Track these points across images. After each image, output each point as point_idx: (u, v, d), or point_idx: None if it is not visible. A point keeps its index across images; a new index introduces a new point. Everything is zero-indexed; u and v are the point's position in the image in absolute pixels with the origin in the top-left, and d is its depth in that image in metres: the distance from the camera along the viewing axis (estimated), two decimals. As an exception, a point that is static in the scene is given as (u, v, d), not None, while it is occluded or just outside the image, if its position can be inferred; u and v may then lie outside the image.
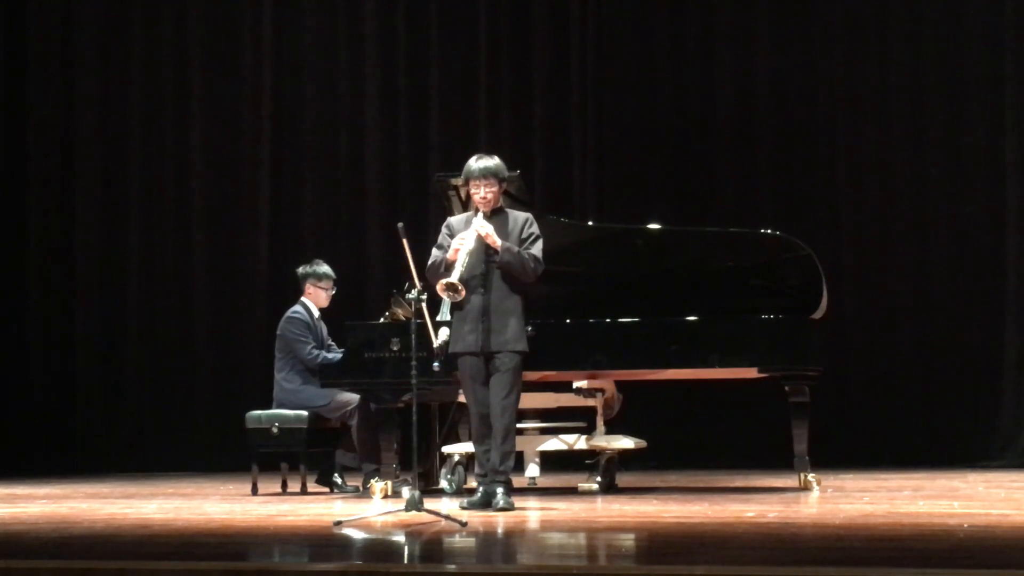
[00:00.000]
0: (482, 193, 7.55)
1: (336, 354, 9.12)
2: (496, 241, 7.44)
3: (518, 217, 7.64)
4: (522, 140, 12.28)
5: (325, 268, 9.46)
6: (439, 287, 7.36)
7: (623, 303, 8.76)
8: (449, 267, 7.42)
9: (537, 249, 7.55)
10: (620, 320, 8.57)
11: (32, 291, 13.10)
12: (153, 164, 13.14)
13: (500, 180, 7.58)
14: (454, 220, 7.76)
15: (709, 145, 12.32)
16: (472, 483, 8.38)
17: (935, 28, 11.93)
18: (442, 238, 7.64)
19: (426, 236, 10.27)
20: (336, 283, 9.50)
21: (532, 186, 10.80)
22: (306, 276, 9.44)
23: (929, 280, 11.82)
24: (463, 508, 7.34)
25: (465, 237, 7.44)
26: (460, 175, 8.55)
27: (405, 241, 7.47)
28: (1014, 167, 11.63)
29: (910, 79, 11.98)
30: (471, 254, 7.41)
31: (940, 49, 11.91)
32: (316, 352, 9.17)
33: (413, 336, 7.14)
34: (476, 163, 7.58)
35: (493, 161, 7.59)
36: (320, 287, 9.41)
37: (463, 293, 7.35)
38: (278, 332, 9.33)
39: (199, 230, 12.98)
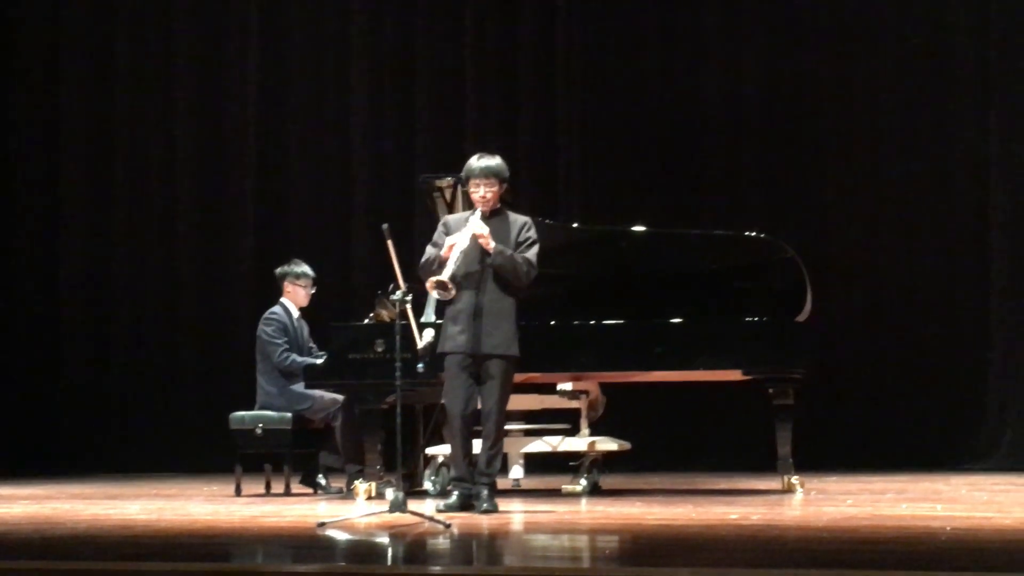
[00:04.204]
0: (481, 192, 7.53)
1: (314, 358, 9.08)
2: (490, 243, 7.42)
3: (517, 220, 7.61)
4: (508, 141, 12.22)
5: (304, 267, 9.45)
6: (429, 284, 7.34)
7: (608, 305, 8.76)
8: (442, 264, 7.41)
9: (532, 253, 7.51)
10: (605, 322, 8.57)
11: (17, 292, 13.06)
12: (138, 166, 13.11)
13: (501, 180, 7.55)
14: (452, 218, 7.74)
15: (695, 147, 12.32)
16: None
17: (922, 28, 11.95)
18: (437, 236, 7.60)
19: (411, 237, 10.29)
20: (315, 282, 9.49)
21: (517, 188, 10.77)
22: (284, 275, 9.44)
23: (914, 283, 11.83)
24: (439, 511, 7.30)
25: (461, 235, 7.42)
26: (445, 176, 8.57)
27: (390, 242, 7.47)
28: (998, 167, 11.66)
29: (897, 80, 12.00)
30: (465, 253, 7.39)
31: (927, 49, 11.92)
32: (287, 355, 9.15)
33: (397, 337, 7.13)
34: (478, 162, 7.56)
35: (495, 161, 7.56)
36: (299, 285, 9.40)
37: (453, 292, 7.33)
38: (257, 333, 9.32)
39: (185, 231, 12.95)
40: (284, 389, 9.13)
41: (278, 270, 9.50)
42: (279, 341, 9.19)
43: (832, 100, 12.11)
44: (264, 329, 9.25)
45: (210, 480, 10.63)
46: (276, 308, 9.36)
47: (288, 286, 9.41)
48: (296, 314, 9.38)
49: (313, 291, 9.46)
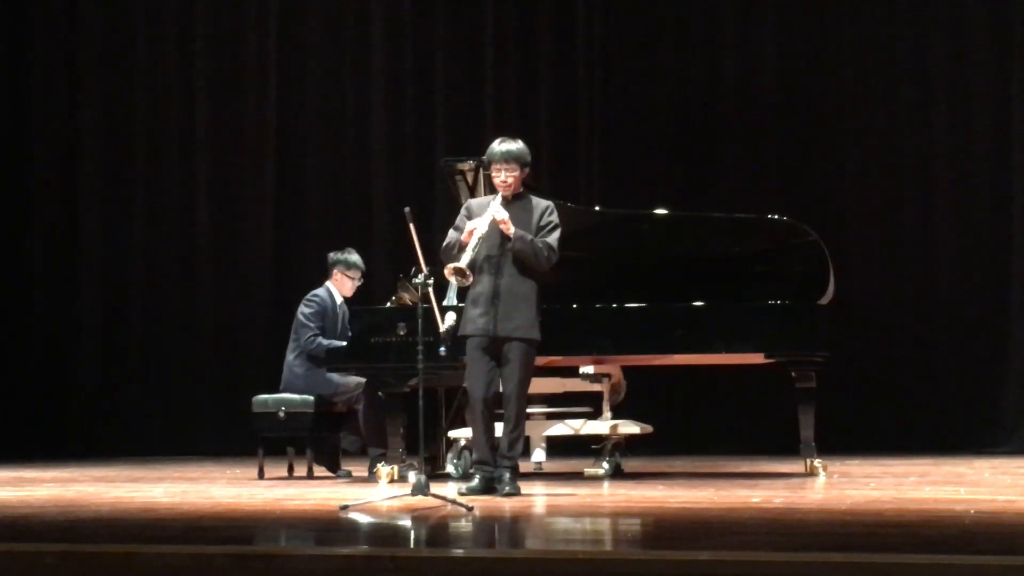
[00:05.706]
0: (502, 177, 7.51)
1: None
2: (510, 228, 7.40)
3: (539, 204, 7.59)
4: (528, 125, 12.22)
5: (356, 258, 9.46)
6: (447, 271, 7.34)
7: (629, 288, 8.75)
8: (462, 249, 7.40)
9: (553, 238, 7.48)
10: (626, 305, 8.57)
11: (36, 275, 13.08)
12: (157, 147, 13.11)
13: (522, 165, 7.53)
14: (475, 203, 7.72)
15: (716, 130, 12.30)
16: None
17: (942, 11, 11.90)
18: (460, 220, 7.58)
19: (432, 221, 10.30)
20: (364, 275, 9.50)
21: (538, 171, 10.77)
22: (336, 262, 9.44)
23: (935, 266, 11.81)
24: (461, 494, 7.29)
25: (481, 220, 7.41)
26: (467, 159, 8.55)
27: (412, 226, 7.46)
28: (1019, 149, 11.60)
29: (916, 65, 11.94)
30: (485, 238, 7.38)
31: (947, 34, 11.87)
32: (314, 339, 9.16)
33: (419, 321, 7.13)
34: (499, 146, 7.54)
35: (516, 145, 7.55)
36: (348, 275, 9.41)
37: (470, 279, 7.33)
38: (296, 313, 9.34)
39: (204, 215, 12.96)
40: (310, 371, 9.15)
41: (331, 255, 9.51)
42: (312, 324, 9.20)
43: (851, 84, 12.06)
44: (303, 310, 9.28)
45: (233, 463, 10.67)
46: (320, 291, 9.38)
47: (337, 274, 9.42)
48: (339, 300, 9.39)
49: (360, 283, 9.47)
